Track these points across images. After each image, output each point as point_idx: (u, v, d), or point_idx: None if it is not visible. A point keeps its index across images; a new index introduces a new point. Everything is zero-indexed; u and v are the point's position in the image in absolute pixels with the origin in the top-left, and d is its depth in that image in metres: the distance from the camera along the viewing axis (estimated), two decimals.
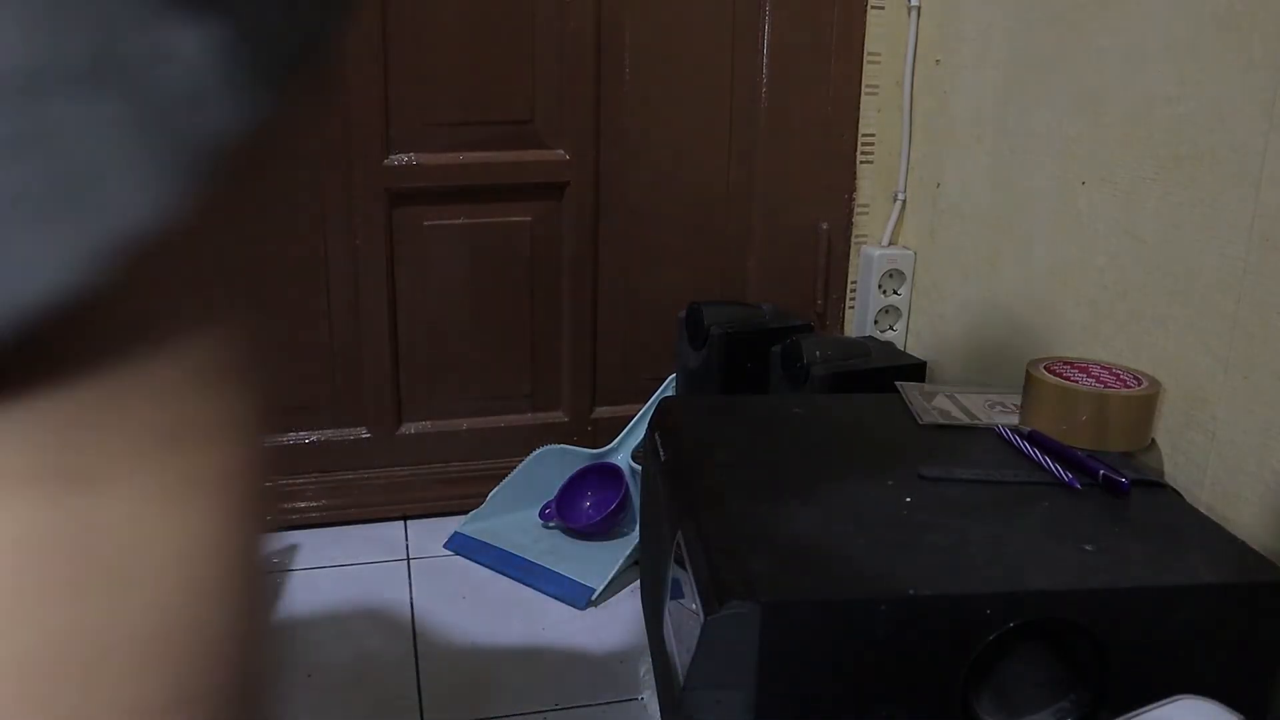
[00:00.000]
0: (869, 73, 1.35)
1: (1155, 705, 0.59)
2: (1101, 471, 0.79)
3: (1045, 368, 0.90)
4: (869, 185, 1.39)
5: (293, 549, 1.24)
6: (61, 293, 0.19)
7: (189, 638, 0.23)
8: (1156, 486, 0.79)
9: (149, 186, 0.19)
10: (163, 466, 0.22)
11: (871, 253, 1.37)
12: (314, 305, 1.25)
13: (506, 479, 1.28)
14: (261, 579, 0.25)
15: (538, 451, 1.30)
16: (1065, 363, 0.92)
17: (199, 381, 0.23)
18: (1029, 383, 0.91)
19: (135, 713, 0.22)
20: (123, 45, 0.19)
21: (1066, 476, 0.79)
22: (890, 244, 1.38)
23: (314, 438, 1.28)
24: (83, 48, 0.19)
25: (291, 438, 1.28)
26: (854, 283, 1.41)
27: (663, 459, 0.88)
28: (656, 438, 0.92)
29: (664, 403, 0.97)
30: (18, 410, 0.20)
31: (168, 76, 0.20)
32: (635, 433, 1.28)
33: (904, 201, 1.37)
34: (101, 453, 0.21)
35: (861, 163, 1.38)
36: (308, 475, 1.29)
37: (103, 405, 0.21)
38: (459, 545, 1.23)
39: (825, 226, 1.38)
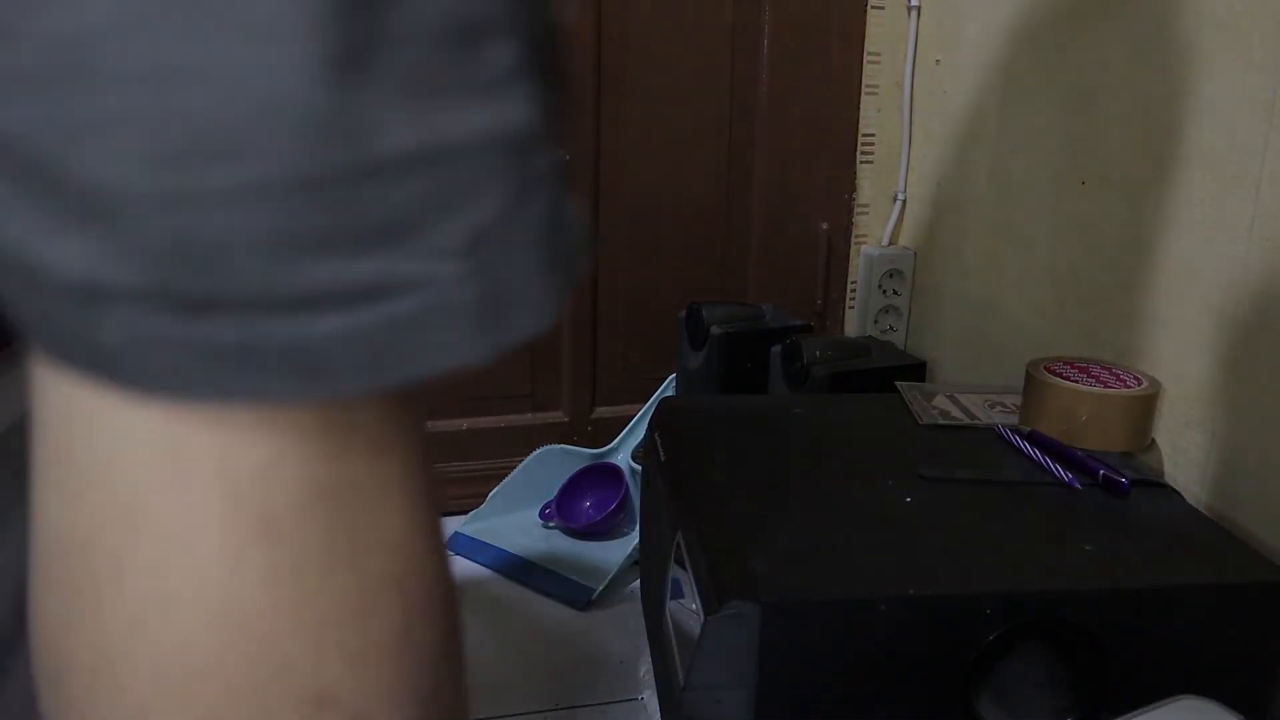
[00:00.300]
0: (869, 73, 1.35)
1: (1155, 705, 0.59)
2: (1101, 471, 0.79)
3: (1045, 368, 0.90)
4: (869, 185, 1.39)
5: None
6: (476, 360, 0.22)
7: (408, 597, 0.27)
8: (1156, 486, 0.79)
9: (550, 301, 0.23)
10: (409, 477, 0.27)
11: (871, 253, 1.37)
12: None
13: (506, 479, 1.29)
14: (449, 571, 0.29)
15: (538, 451, 1.30)
16: (1065, 363, 0.92)
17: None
18: (1029, 383, 0.91)
19: (361, 656, 0.26)
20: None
21: (1066, 476, 0.79)
22: (890, 244, 1.38)
23: None
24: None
25: None
26: (854, 283, 1.41)
27: (663, 459, 0.88)
28: (656, 438, 0.92)
29: (664, 403, 0.97)
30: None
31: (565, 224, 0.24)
32: (635, 433, 1.28)
33: (904, 201, 1.37)
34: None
35: (861, 163, 1.38)
36: None
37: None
38: (459, 545, 1.23)
39: (825, 226, 1.39)
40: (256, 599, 0.25)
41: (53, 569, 0.27)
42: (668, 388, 1.30)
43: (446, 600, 0.30)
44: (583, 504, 1.26)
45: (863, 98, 1.35)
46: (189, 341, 0.21)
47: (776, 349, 1.18)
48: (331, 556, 0.26)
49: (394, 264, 0.20)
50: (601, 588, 1.12)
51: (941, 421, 0.92)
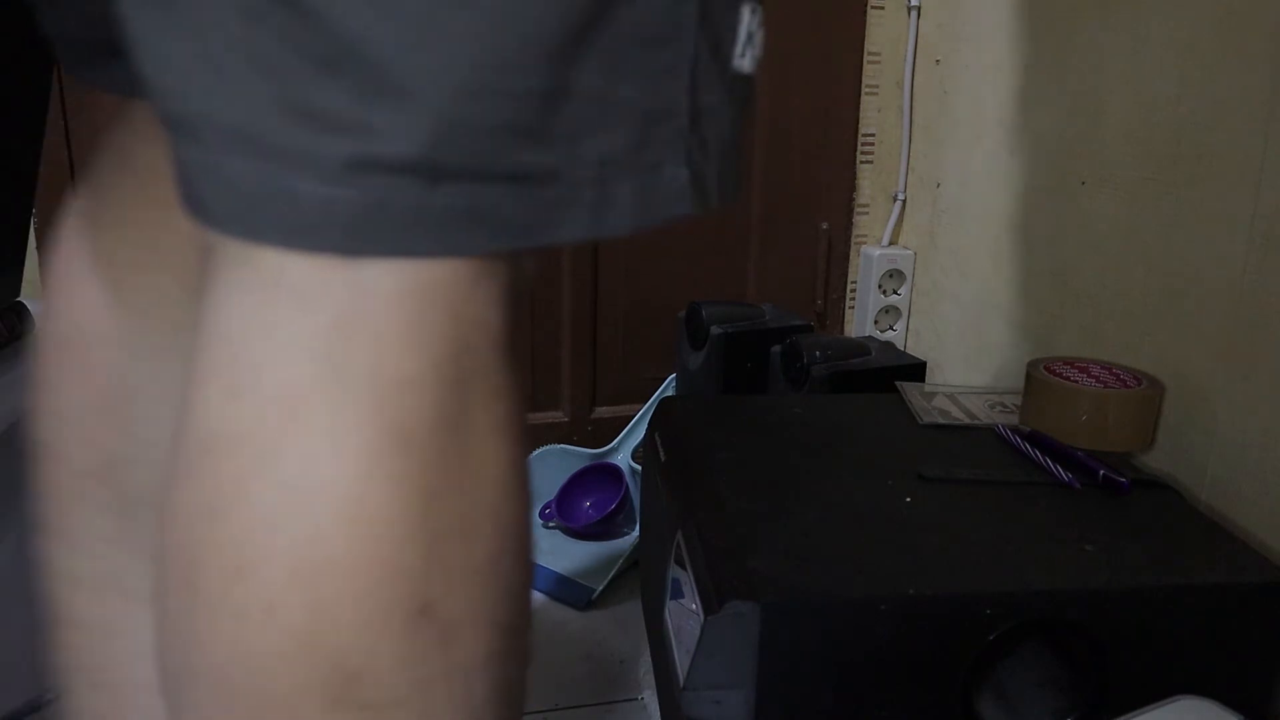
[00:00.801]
0: (869, 73, 1.35)
1: (1155, 706, 0.59)
2: (1102, 471, 0.79)
3: (1045, 368, 0.90)
4: (869, 185, 1.39)
5: None
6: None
7: (500, 522, 0.32)
8: (1157, 486, 0.79)
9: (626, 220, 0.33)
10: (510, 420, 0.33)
11: (871, 253, 1.37)
12: None
13: None
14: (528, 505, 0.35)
15: (538, 451, 1.30)
16: (1065, 363, 0.92)
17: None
18: (1029, 383, 0.91)
19: (461, 574, 0.31)
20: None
21: (1066, 476, 0.79)
22: (890, 244, 1.38)
23: None
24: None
25: None
26: (854, 283, 1.41)
27: (663, 459, 0.88)
28: (656, 438, 0.92)
29: (664, 403, 0.97)
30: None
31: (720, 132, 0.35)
32: (635, 433, 1.28)
33: (904, 201, 1.37)
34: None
35: (861, 163, 1.38)
36: None
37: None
38: None
39: (825, 226, 1.39)
40: (385, 503, 0.29)
41: (202, 464, 0.31)
42: (668, 388, 1.30)
43: (527, 541, 0.34)
44: (583, 504, 1.26)
45: (863, 98, 1.35)
46: (422, 205, 0.28)
47: (776, 349, 1.18)
48: (448, 478, 0.31)
49: (564, 159, 0.30)
50: (601, 588, 1.12)
51: (941, 421, 0.92)
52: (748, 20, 0.36)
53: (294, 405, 0.29)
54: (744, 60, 0.36)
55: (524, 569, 0.34)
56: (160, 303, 0.51)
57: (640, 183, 0.32)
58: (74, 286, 0.52)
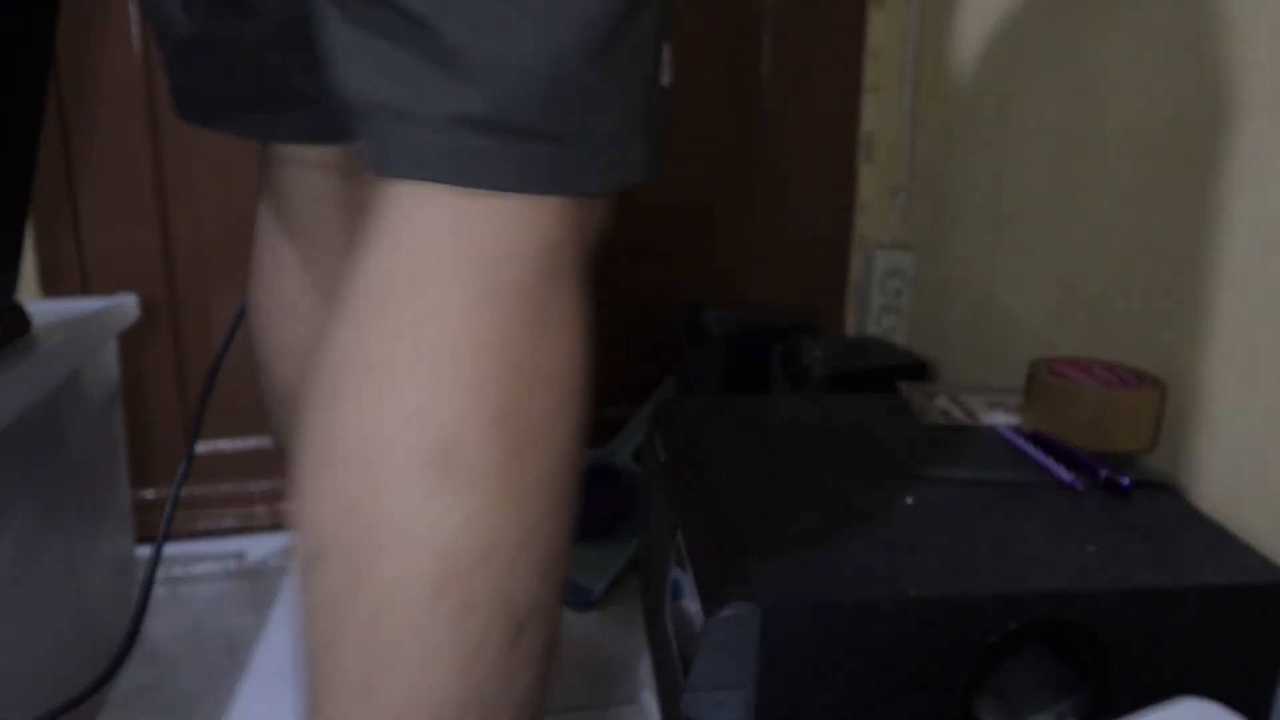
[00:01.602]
0: (869, 72, 1.34)
1: (1157, 707, 0.58)
2: (1103, 472, 0.79)
3: (1046, 368, 0.90)
4: (869, 184, 1.39)
5: (292, 549, 1.24)
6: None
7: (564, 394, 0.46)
8: (1158, 487, 0.79)
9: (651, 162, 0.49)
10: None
11: (871, 253, 1.37)
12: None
13: None
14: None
15: None
16: (1066, 363, 0.91)
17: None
18: (1030, 383, 0.91)
19: (536, 398, 0.45)
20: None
21: (1068, 477, 0.79)
22: (890, 244, 1.38)
23: None
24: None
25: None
26: (854, 283, 1.41)
27: (663, 459, 0.88)
28: (656, 438, 0.92)
29: (664, 403, 0.97)
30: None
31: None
32: (635, 433, 1.28)
33: (904, 200, 1.37)
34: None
35: (861, 162, 1.38)
36: None
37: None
38: None
39: (825, 226, 1.38)
40: (483, 331, 0.43)
41: (357, 300, 0.45)
42: (668, 388, 1.30)
43: (581, 402, 0.48)
44: (582, 505, 1.26)
45: (863, 96, 1.35)
46: (513, 155, 0.43)
47: (776, 349, 1.18)
48: (530, 330, 0.44)
49: (584, 133, 0.45)
50: (602, 588, 1.12)
51: (942, 421, 0.92)
52: (666, 51, 0.52)
53: (431, 261, 0.44)
54: (666, 78, 0.52)
55: (576, 416, 0.48)
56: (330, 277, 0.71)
57: (623, 157, 0.49)
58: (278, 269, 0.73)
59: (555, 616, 0.49)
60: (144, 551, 1.19)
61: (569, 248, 0.47)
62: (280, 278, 0.73)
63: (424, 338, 0.43)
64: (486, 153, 0.44)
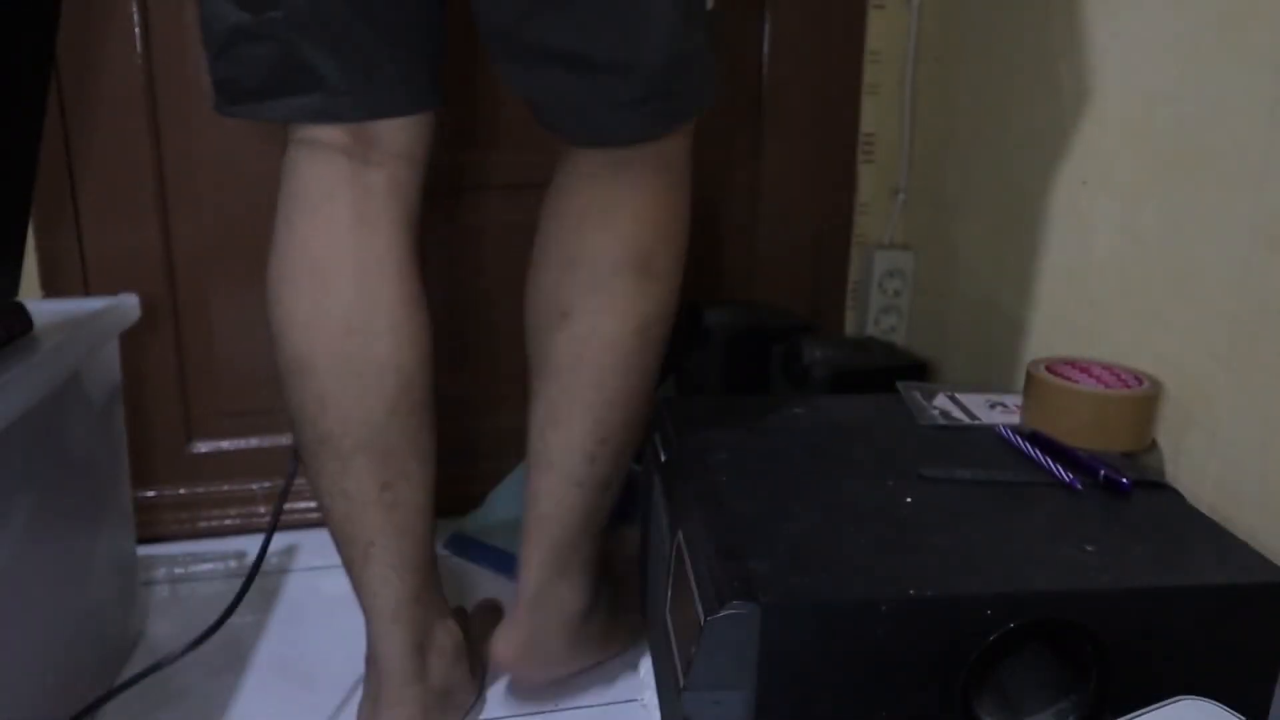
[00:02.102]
0: (869, 72, 1.34)
1: (1156, 706, 0.59)
2: (1102, 472, 0.79)
3: (1046, 368, 0.90)
4: (869, 184, 1.39)
5: (293, 549, 1.24)
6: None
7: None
8: (1158, 487, 0.79)
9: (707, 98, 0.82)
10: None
11: (871, 253, 1.37)
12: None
13: (506, 479, 1.28)
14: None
15: None
16: (1066, 363, 0.92)
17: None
18: (1029, 383, 0.91)
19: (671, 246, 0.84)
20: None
21: (1067, 477, 0.79)
22: (890, 244, 1.38)
23: None
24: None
25: (290, 438, 1.28)
26: (854, 283, 1.41)
27: (663, 459, 0.88)
28: (656, 438, 0.92)
29: (664, 403, 0.97)
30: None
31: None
32: None
33: (904, 201, 1.37)
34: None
35: (861, 162, 1.38)
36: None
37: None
38: (458, 546, 1.23)
39: (825, 226, 1.38)
40: (650, 208, 0.82)
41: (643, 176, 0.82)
42: (668, 388, 1.30)
43: (685, 245, 0.85)
44: None
45: (863, 97, 1.35)
46: (666, 110, 0.78)
47: (776, 349, 1.18)
48: (675, 208, 0.84)
49: (697, 69, 0.78)
50: None
51: (942, 421, 0.92)
52: None
53: (636, 169, 0.80)
54: (710, 3, 0.76)
55: (682, 255, 0.84)
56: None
57: (712, 76, 0.80)
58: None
59: (666, 336, 0.85)
60: (145, 551, 1.20)
61: (690, 142, 0.84)
62: (290, 250, 0.79)
63: (623, 208, 0.80)
64: (651, 113, 0.77)
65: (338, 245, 0.78)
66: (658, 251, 0.80)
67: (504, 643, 0.89)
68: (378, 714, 0.84)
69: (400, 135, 0.79)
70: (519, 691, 0.95)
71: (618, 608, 0.98)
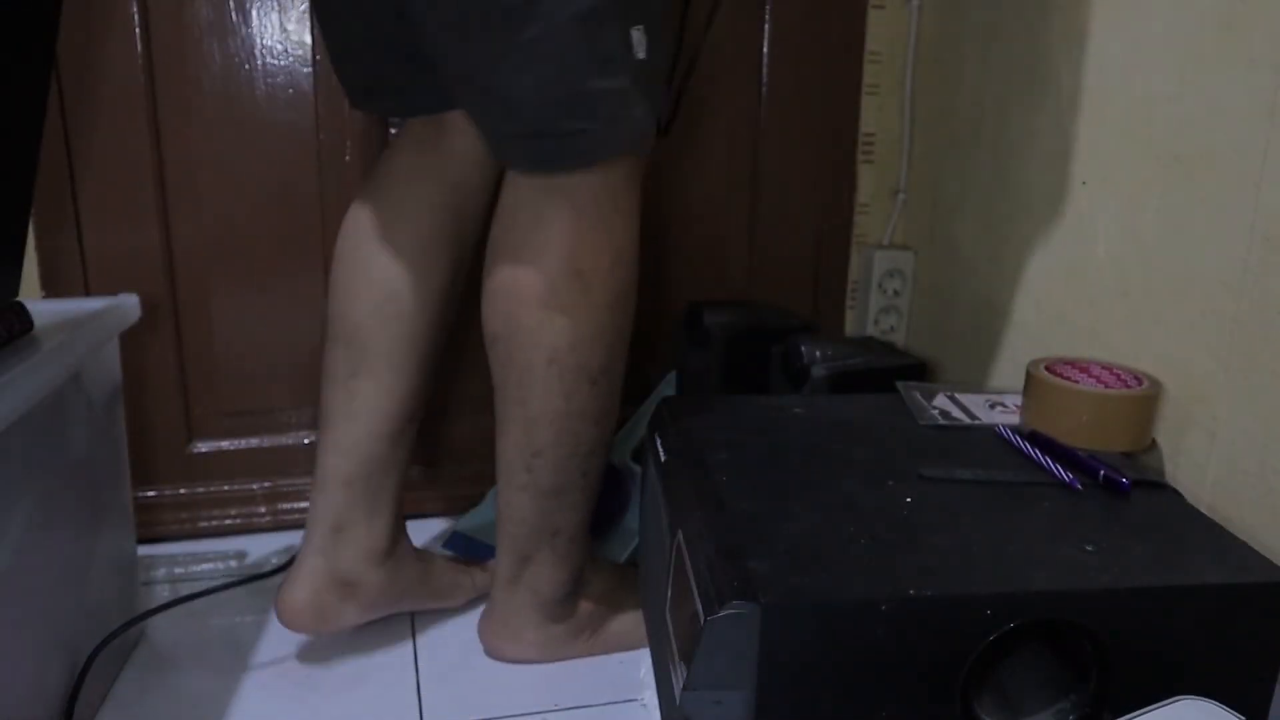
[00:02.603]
0: (869, 72, 1.35)
1: (1156, 706, 0.59)
2: (1102, 472, 0.79)
3: (1045, 368, 0.90)
4: (869, 185, 1.39)
5: (293, 549, 1.24)
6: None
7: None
8: (1157, 487, 0.79)
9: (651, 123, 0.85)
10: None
11: (871, 253, 1.37)
12: (313, 303, 1.24)
13: None
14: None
15: None
16: (1065, 363, 0.92)
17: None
18: (1029, 383, 0.91)
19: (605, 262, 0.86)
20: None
21: (1067, 477, 0.79)
22: (890, 244, 1.38)
23: (312, 438, 1.28)
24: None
25: (290, 438, 1.28)
26: (854, 283, 1.41)
27: (663, 459, 0.88)
28: (656, 438, 0.92)
29: (664, 403, 0.97)
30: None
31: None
32: (635, 433, 1.28)
33: (904, 201, 1.37)
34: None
35: (861, 162, 1.38)
36: (308, 476, 1.28)
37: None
38: (458, 545, 1.23)
39: (825, 226, 1.38)
40: (574, 232, 0.83)
41: (513, 216, 0.85)
42: (668, 387, 1.30)
43: (634, 261, 0.90)
44: None
45: (863, 97, 1.35)
46: (539, 149, 0.81)
47: (776, 349, 1.18)
48: (609, 224, 0.85)
49: (579, 125, 0.79)
50: None
51: (941, 421, 0.92)
52: (638, 33, 0.78)
53: (550, 193, 0.83)
54: (640, 54, 0.79)
55: (630, 275, 0.89)
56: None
57: (629, 122, 0.81)
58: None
59: (616, 380, 0.90)
60: (145, 551, 1.20)
61: (620, 184, 0.84)
62: (354, 228, 0.97)
63: (548, 234, 0.83)
64: (539, 150, 0.80)
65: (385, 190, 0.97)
66: (563, 288, 0.82)
67: (482, 620, 1.00)
68: (289, 573, 0.99)
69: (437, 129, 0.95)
70: (499, 666, 1.00)
71: (606, 613, 1.01)
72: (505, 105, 0.78)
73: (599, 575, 1.01)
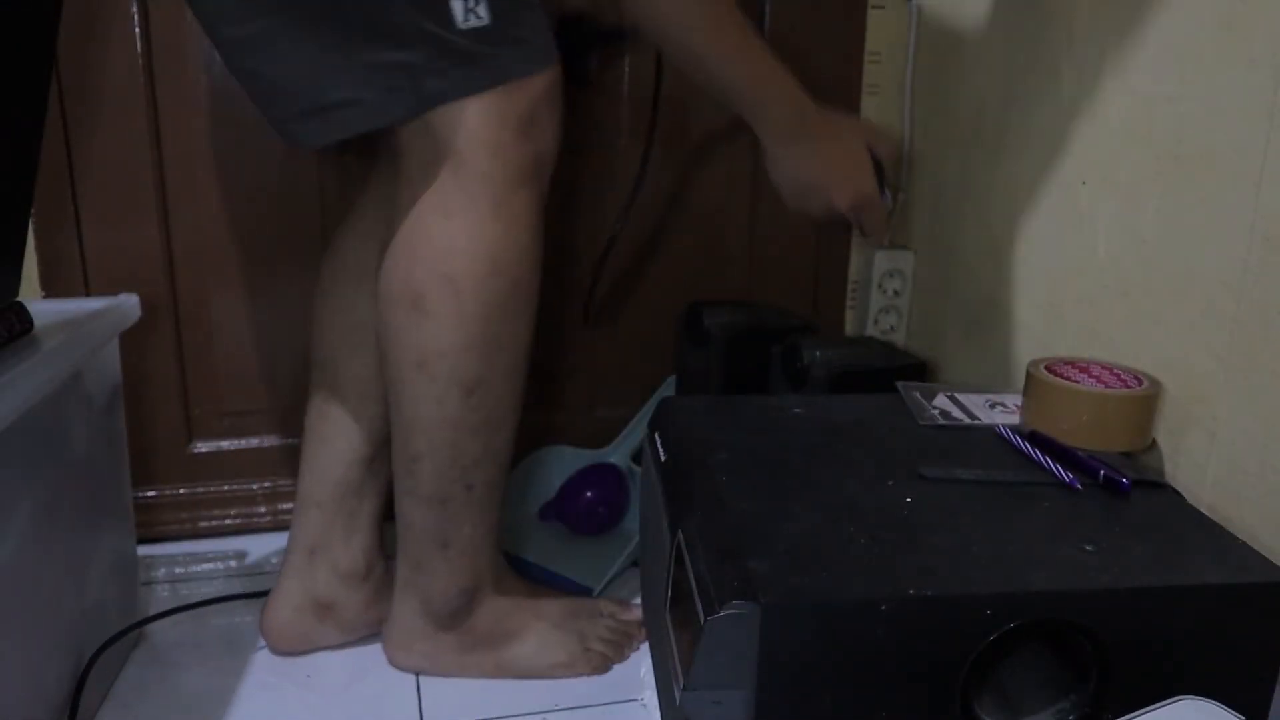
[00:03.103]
0: (869, 73, 1.34)
1: (1156, 706, 0.59)
2: (1102, 471, 0.79)
3: (1045, 368, 0.90)
4: None
5: None
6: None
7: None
8: (1157, 487, 0.79)
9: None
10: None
11: (871, 253, 1.37)
12: (311, 303, 1.25)
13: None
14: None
15: (538, 451, 1.30)
16: (1065, 363, 0.92)
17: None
18: (1029, 383, 0.91)
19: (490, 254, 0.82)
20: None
21: (1067, 476, 0.79)
22: (890, 244, 1.38)
23: None
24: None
25: (290, 438, 1.28)
26: (854, 283, 1.41)
27: (663, 459, 0.88)
28: (656, 438, 0.92)
29: (664, 403, 0.97)
30: None
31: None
32: (635, 433, 1.28)
33: (904, 201, 1.37)
34: None
35: None
36: None
37: None
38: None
39: (825, 226, 1.38)
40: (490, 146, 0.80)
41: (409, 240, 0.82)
42: (668, 388, 1.30)
43: (536, 251, 0.86)
44: (583, 504, 1.26)
45: (863, 98, 1.35)
46: (308, 129, 0.79)
47: (776, 349, 1.18)
48: (496, 228, 0.81)
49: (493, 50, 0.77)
50: (601, 588, 1.12)
51: (941, 421, 0.92)
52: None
53: (407, 185, 0.81)
54: (466, 19, 0.76)
55: (509, 286, 0.84)
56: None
57: (425, 96, 0.78)
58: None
59: (499, 394, 0.86)
60: (145, 551, 1.20)
61: (491, 189, 0.80)
62: (329, 256, 0.99)
63: (411, 230, 0.82)
64: (308, 129, 0.80)
65: None
66: (432, 292, 0.80)
67: (384, 627, 0.99)
68: (270, 594, 1.01)
69: None
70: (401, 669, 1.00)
71: (508, 636, 0.97)
72: (272, 87, 0.77)
73: (507, 598, 0.97)
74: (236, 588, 1.14)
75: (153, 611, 1.08)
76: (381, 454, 0.99)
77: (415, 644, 0.96)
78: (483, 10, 0.75)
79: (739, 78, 0.97)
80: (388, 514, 1.03)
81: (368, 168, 0.99)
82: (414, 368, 0.83)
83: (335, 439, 0.98)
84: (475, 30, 0.75)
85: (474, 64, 0.76)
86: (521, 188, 0.81)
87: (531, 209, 0.83)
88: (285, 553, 1.00)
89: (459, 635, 0.96)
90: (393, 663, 0.98)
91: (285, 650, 1.00)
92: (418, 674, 0.98)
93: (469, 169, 0.78)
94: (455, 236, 0.80)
